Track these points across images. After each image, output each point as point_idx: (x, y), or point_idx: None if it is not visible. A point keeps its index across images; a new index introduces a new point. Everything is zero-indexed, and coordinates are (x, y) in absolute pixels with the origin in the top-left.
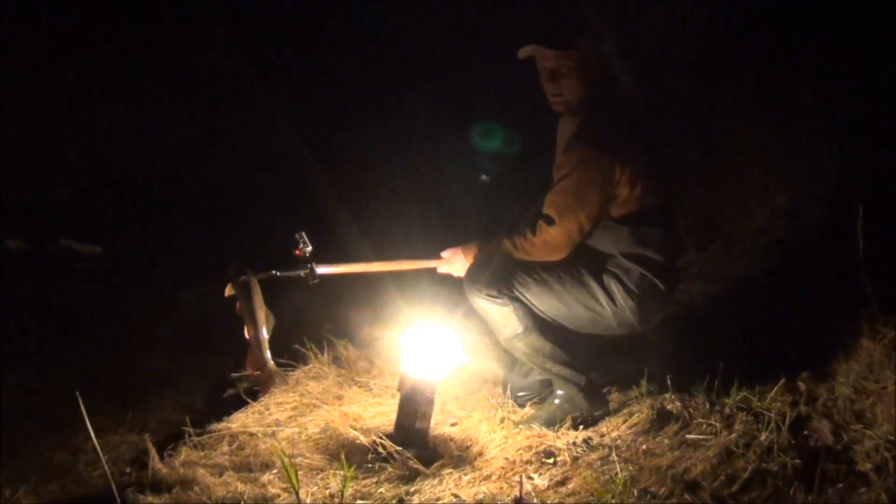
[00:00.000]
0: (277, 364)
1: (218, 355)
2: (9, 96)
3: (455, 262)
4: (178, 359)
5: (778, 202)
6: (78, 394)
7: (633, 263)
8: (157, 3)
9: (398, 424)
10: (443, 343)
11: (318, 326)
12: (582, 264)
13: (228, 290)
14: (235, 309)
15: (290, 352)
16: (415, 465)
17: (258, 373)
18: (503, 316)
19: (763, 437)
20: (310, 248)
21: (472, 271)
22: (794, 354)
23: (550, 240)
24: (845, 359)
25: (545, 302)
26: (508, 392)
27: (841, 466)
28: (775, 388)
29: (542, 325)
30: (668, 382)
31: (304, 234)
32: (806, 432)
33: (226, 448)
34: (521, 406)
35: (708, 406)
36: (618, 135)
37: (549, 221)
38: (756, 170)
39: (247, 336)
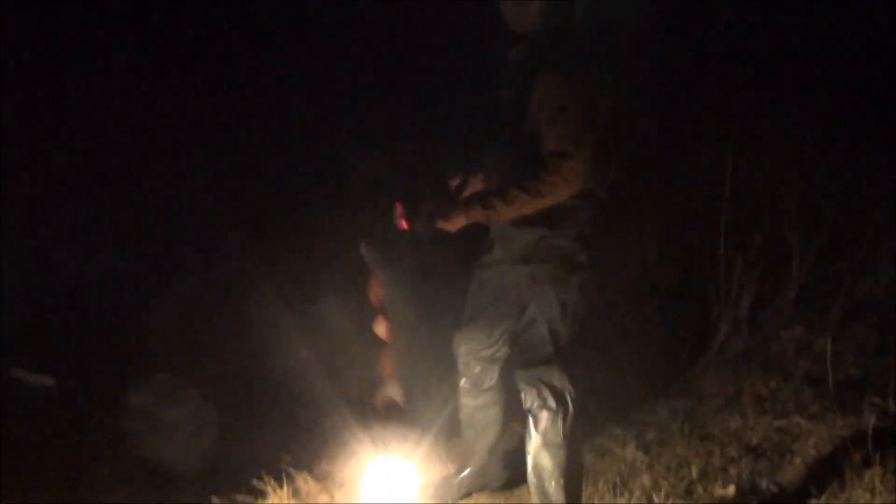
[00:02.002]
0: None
1: (180, 490)
2: None
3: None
4: (136, 494)
5: (742, 314)
6: None
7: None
8: None
9: None
10: (404, 481)
11: (276, 458)
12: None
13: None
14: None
15: (247, 486)
16: None
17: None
18: None
19: None
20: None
21: None
22: (763, 474)
23: (571, 174)
24: (812, 478)
25: None
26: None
27: None
28: None
29: None
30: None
31: None
32: None
33: None
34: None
35: None
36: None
37: (565, 154)
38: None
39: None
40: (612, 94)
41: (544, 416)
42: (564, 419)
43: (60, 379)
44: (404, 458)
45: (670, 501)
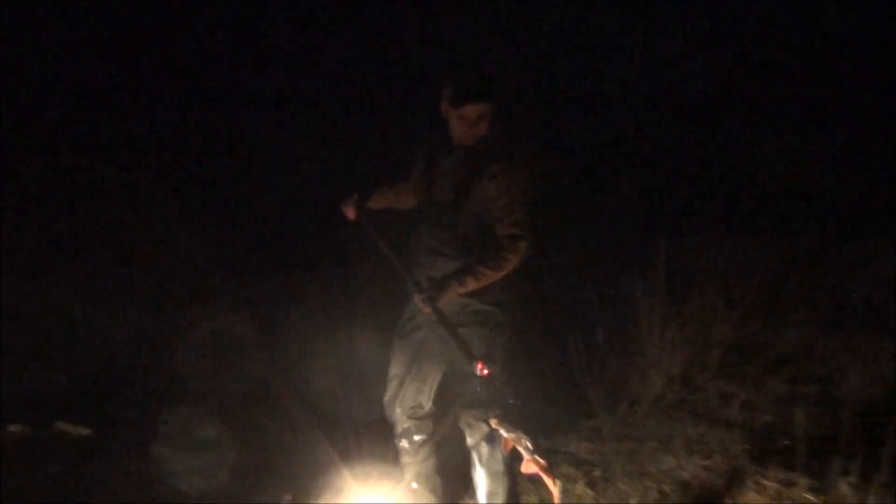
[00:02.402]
0: None
1: None
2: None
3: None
4: None
5: (674, 370)
6: None
7: None
8: None
9: None
10: None
11: (278, 495)
12: None
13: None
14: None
15: None
16: None
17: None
18: None
19: None
20: None
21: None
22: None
23: (522, 251)
24: None
25: None
26: None
27: None
28: None
29: None
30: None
31: None
32: None
33: None
34: None
35: None
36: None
37: (519, 237)
38: (652, 344)
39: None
40: (540, 190)
41: (485, 449)
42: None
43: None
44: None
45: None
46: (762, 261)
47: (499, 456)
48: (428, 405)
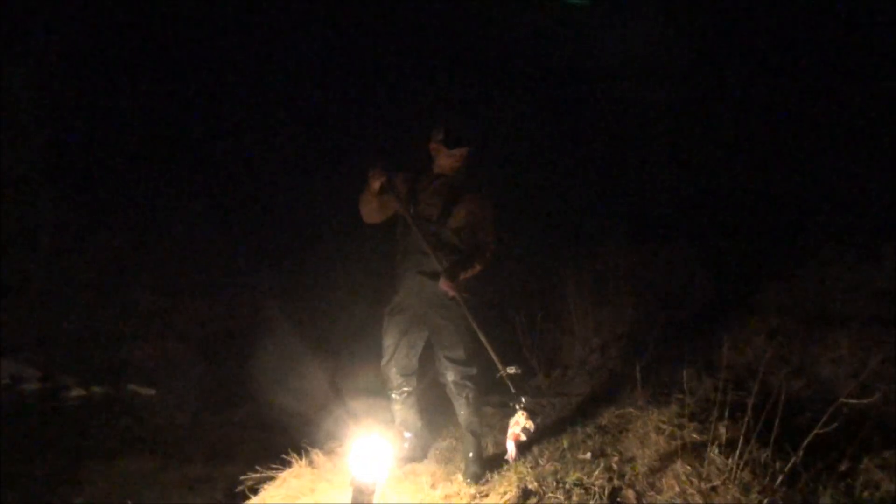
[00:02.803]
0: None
1: (235, 464)
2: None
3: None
4: (207, 468)
5: (594, 342)
6: None
7: None
8: None
9: None
10: (380, 452)
11: (298, 439)
12: None
13: None
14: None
15: (279, 459)
16: None
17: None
18: None
19: None
20: None
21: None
22: (609, 444)
23: (492, 255)
24: (641, 446)
25: None
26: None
27: None
28: (599, 468)
29: None
30: (529, 465)
31: None
32: (619, 500)
33: None
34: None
35: (555, 483)
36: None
37: (490, 244)
38: (579, 322)
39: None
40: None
41: (469, 390)
42: (477, 393)
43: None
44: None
45: (550, 462)
46: (662, 259)
47: (476, 397)
48: (414, 365)
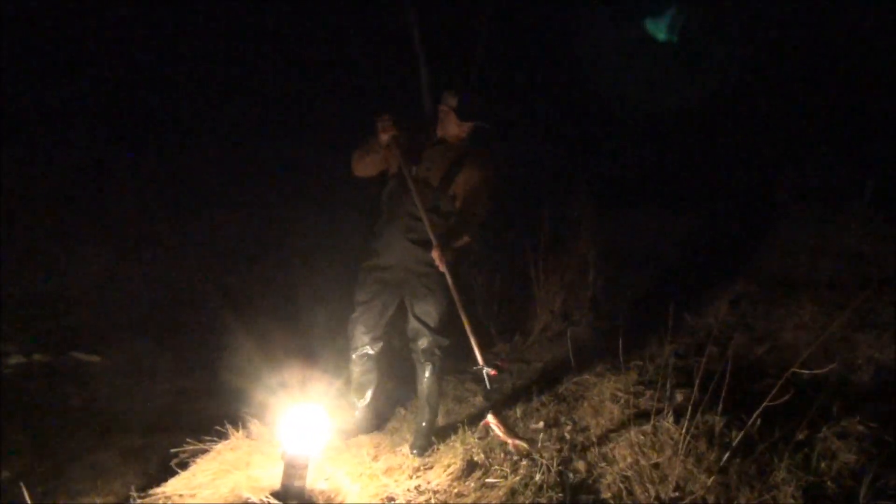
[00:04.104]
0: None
1: (171, 435)
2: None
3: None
4: (143, 438)
5: (556, 308)
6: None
7: None
8: None
9: (283, 484)
10: (313, 422)
11: (236, 409)
12: None
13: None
14: None
15: (215, 430)
16: None
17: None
18: None
19: (538, 478)
20: None
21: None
22: (563, 413)
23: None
24: (596, 415)
25: None
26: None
27: (591, 496)
28: (548, 439)
29: None
30: (478, 435)
31: None
32: (568, 471)
33: None
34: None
35: (502, 455)
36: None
37: (483, 215)
38: (541, 290)
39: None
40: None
41: (437, 359)
42: (444, 364)
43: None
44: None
45: (502, 431)
46: (626, 225)
47: (441, 365)
48: (381, 327)
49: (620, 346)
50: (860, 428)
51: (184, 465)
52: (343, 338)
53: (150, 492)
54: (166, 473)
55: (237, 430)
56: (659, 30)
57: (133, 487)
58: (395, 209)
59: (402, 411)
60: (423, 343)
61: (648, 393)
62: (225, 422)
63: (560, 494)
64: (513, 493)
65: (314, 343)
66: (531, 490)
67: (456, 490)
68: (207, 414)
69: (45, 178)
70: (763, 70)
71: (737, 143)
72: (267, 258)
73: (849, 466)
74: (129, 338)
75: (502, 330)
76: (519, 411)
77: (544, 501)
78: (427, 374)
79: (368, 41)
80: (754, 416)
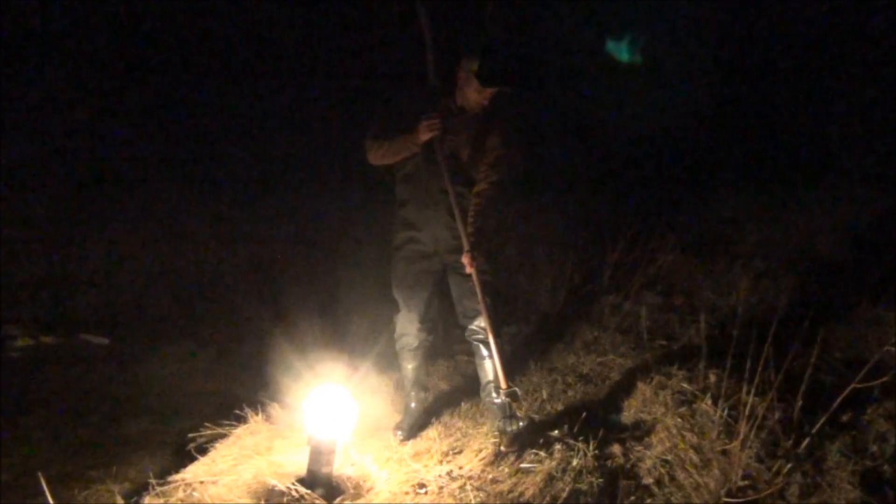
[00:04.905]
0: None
1: (186, 420)
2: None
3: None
4: (156, 423)
5: (572, 286)
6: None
7: None
8: None
9: (309, 470)
10: (341, 406)
11: (254, 394)
12: None
13: None
14: None
15: (233, 414)
16: (318, 502)
17: None
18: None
19: (575, 463)
20: None
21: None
22: (591, 396)
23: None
24: (626, 397)
25: None
26: (394, 436)
27: (631, 482)
28: (581, 422)
29: None
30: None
31: None
32: (605, 456)
33: (181, 495)
34: (405, 442)
35: (535, 439)
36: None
37: (505, 183)
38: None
39: None
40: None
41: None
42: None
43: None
44: (341, 390)
45: (528, 414)
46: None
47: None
48: (431, 319)
49: (645, 325)
50: None
51: (202, 451)
52: (363, 319)
53: (170, 479)
54: (184, 459)
55: (256, 415)
56: (621, 52)
57: (151, 474)
58: (427, 191)
59: (423, 394)
60: (480, 322)
61: (680, 373)
62: (244, 405)
63: (600, 480)
64: (550, 478)
65: (335, 325)
66: (570, 475)
67: (490, 476)
68: (222, 398)
69: (51, 160)
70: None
71: (753, 122)
72: (282, 238)
73: None
74: (138, 320)
75: (519, 310)
76: (545, 392)
77: (584, 487)
78: (486, 352)
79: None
80: (800, 393)
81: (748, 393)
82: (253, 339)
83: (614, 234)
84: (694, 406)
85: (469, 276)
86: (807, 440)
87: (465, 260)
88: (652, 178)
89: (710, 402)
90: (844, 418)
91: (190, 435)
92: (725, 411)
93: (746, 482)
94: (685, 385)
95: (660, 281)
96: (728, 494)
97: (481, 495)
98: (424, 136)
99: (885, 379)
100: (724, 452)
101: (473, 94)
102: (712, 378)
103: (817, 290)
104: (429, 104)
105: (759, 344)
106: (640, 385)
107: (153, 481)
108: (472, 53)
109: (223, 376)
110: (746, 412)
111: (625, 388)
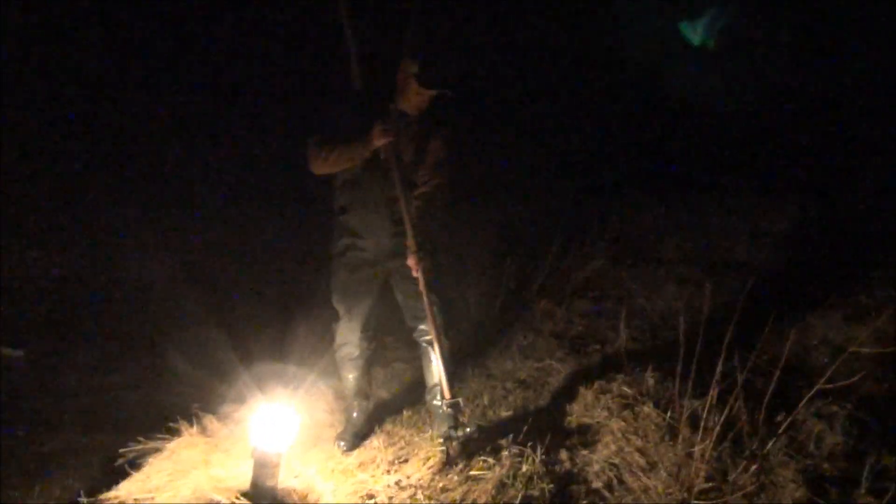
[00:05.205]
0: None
1: (113, 433)
2: None
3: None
4: (80, 437)
5: (505, 293)
6: None
7: None
8: None
9: (253, 484)
10: (284, 419)
11: (188, 406)
12: None
13: None
14: None
15: (166, 427)
16: None
17: None
18: None
19: (525, 469)
20: None
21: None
22: (532, 402)
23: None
24: (568, 402)
25: None
26: (338, 447)
27: (581, 486)
28: (527, 428)
29: None
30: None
31: None
32: (552, 461)
33: None
34: (348, 452)
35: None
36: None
37: (448, 186)
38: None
39: None
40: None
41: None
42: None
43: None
44: (286, 401)
45: (472, 421)
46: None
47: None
48: (373, 327)
49: (578, 330)
50: (835, 409)
51: (135, 466)
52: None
53: (101, 496)
54: (115, 475)
55: (191, 427)
56: (695, 33)
57: (82, 492)
58: (370, 197)
59: (364, 403)
60: (426, 325)
61: (619, 378)
62: (178, 417)
63: (551, 485)
64: (502, 485)
65: (266, 332)
66: (520, 482)
67: (441, 484)
68: (152, 410)
69: None
70: None
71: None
72: (218, 243)
73: (839, 448)
74: (53, 331)
75: (454, 318)
76: (486, 399)
77: (536, 493)
78: (433, 356)
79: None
80: (734, 399)
81: (687, 396)
82: (185, 347)
83: (548, 242)
84: (636, 410)
85: (415, 279)
86: (744, 439)
87: (411, 262)
88: (583, 186)
89: (651, 405)
90: (779, 418)
91: (121, 450)
92: (669, 414)
93: (700, 484)
94: (626, 389)
95: (590, 287)
96: (680, 497)
97: None
98: (379, 142)
99: (823, 382)
100: (671, 455)
101: (414, 97)
102: (651, 382)
103: (739, 294)
104: (374, 108)
105: (691, 347)
106: (580, 390)
107: (84, 500)
108: (412, 55)
109: (153, 387)
110: (686, 416)
111: (565, 393)
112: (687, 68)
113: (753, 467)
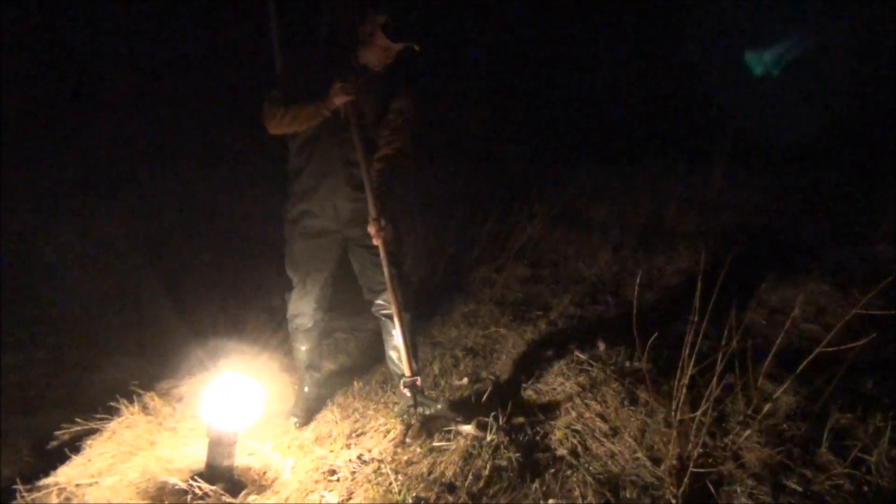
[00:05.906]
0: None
1: (42, 414)
2: None
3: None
4: (7, 419)
5: (444, 259)
6: None
7: None
8: None
9: (208, 464)
10: (244, 395)
11: (125, 382)
12: None
13: None
14: None
15: (103, 407)
16: (226, 499)
17: None
18: None
19: (489, 438)
20: None
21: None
22: (483, 369)
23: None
24: (521, 370)
25: None
26: (291, 422)
27: (547, 454)
28: (486, 396)
29: None
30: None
31: None
32: (513, 429)
33: (55, 500)
34: (303, 427)
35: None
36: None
37: (412, 149)
38: (427, 238)
39: None
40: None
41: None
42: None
43: None
44: (243, 374)
45: (439, 398)
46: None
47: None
48: (328, 298)
49: (518, 296)
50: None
51: (73, 449)
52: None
53: (39, 483)
54: (49, 459)
55: (131, 406)
56: (760, 62)
57: (18, 479)
58: (327, 159)
59: (316, 376)
60: (387, 296)
61: (570, 344)
62: (117, 396)
63: (517, 454)
64: (469, 455)
65: (210, 301)
66: (486, 452)
67: (405, 457)
68: (83, 388)
69: None
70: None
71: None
72: (170, 210)
73: (793, 408)
74: None
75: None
76: (436, 368)
77: (504, 463)
78: (394, 330)
79: None
80: (686, 363)
81: (639, 360)
82: (124, 321)
83: (488, 208)
84: (592, 375)
85: (374, 248)
86: (700, 402)
87: (372, 229)
88: (524, 152)
89: (608, 370)
90: (730, 380)
91: (56, 432)
92: (628, 380)
93: (657, 447)
94: (579, 354)
95: (528, 252)
96: (646, 463)
97: (400, 478)
98: (339, 101)
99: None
100: (634, 420)
101: (379, 52)
102: (602, 347)
103: (671, 257)
104: (333, 64)
105: (631, 311)
106: (531, 356)
107: (20, 487)
108: (379, 6)
109: (84, 364)
110: (648, 381)
111: (516, 359)
112: (737, 92)
113: (713, 430)
